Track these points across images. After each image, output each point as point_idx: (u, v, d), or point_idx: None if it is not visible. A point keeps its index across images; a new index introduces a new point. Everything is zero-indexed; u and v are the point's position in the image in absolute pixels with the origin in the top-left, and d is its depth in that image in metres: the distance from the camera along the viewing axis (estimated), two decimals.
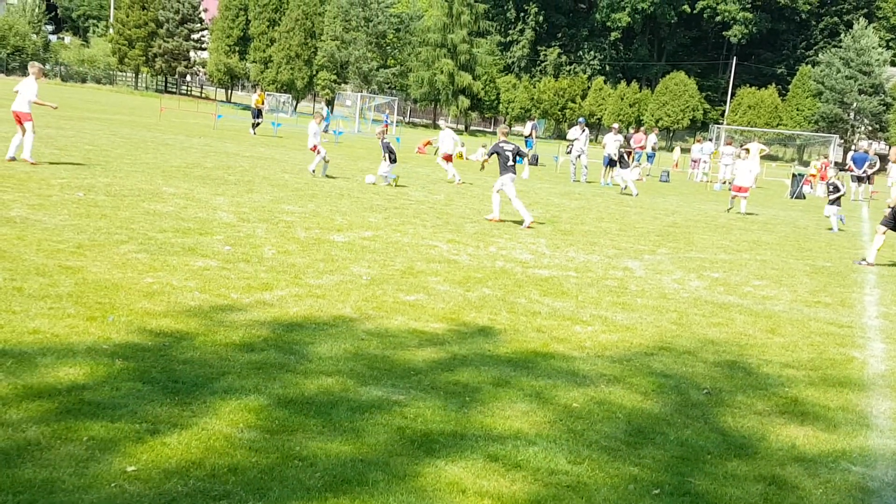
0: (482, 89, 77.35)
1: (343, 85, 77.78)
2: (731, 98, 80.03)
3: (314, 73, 77.01)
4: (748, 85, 79.34)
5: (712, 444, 4.90)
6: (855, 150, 36.69)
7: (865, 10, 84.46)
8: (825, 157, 36.43)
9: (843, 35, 74.81)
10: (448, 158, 22.68)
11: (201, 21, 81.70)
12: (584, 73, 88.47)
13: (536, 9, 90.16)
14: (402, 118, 73.63)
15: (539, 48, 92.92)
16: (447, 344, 6.52)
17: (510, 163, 14.73)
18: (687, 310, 8.79)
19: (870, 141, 65.90)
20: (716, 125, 48.11)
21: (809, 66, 76.40)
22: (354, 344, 6.25)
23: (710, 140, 37.06)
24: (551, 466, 4.32)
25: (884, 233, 13.70)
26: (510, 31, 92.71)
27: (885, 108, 68.89)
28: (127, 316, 6.31)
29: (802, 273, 12.21)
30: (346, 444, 4.38)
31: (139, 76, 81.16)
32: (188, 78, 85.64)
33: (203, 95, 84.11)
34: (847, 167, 32.95)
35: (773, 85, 78.16)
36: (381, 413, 4.87)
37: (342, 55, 75.35)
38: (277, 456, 4.14)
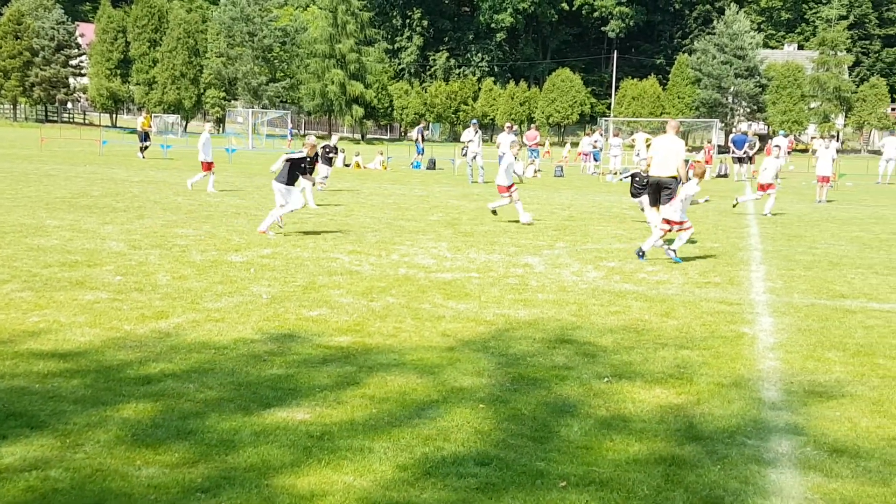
0: (375, 97, 77.30)
1: (233, 101, 76.43)
2: (616, 91, 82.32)
3: (202, 91, 75.41)
4: (631, 77, 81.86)
5: (615, 431, 5.01)
6: (735, 133, 38.25)
7: None
8: (708, 142, 37.84)
9: (716, 22, 78.03)
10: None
11: (79, 46, 78.82)
12: (474, 75, 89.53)
13: (421, 14, 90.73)
14: (297, 131, 72.78)
15: (428, 53, 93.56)
16: (352, 356, 6.48)
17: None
18: (586, 301, 8.98)
19: (749, 122, 68.92)
20: (603, 118, 49.40)
21: (686, 54, 79.38)
22: (256, 366, 6.14)
23: (599, 133, 37.99)
24: (460, 470, 4.34)
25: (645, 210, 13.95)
26: (397, 38, 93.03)
27: (760, 89, 72.12)
28: (11, 360, 6.03)
29: (692, 255, 12.64)
30: (250, 470, 4.29)
31: (17, 107, 77.72)
32: (69, 105, 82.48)
33: (87, 122, 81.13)
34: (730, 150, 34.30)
35: (654, 75, 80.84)
36: (286, 434, 4.80)
37: (229, 71, 74.06)
38: (178, 491, 4.02)
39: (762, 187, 19.64)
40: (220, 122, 75.98)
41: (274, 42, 77.52)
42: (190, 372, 5.93)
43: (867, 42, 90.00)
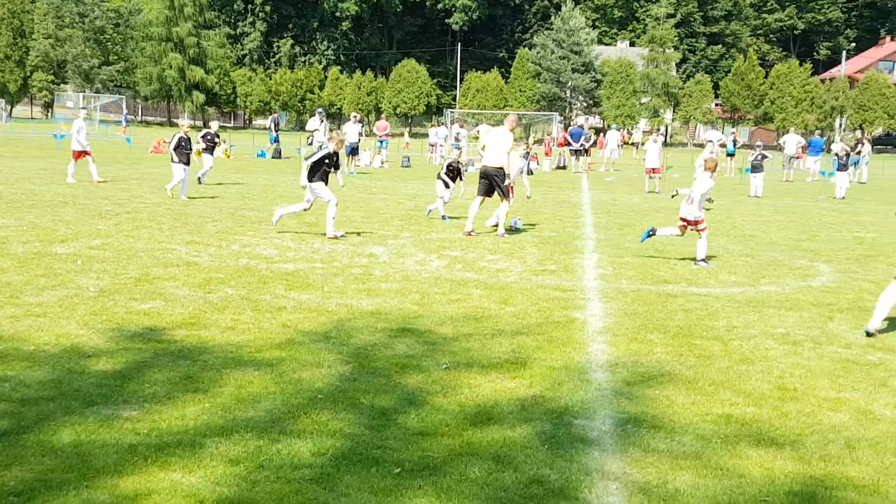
0: (216, 83, 74.88)
1: (63, 85, 72.03)
2: (461, 83, 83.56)
3: (28, 74, 70.67)
4: (475, 69, 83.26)
5: (451, 416, 5.11)
6: (572, 126, 39.72)
7: None
8: (549, 135, 39.11)
9: (553, 17, 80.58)
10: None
11: None
12: (320, 63, 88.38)
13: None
14: (133, 117, 69.52)
15: (272, 39, 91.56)
16: (186, 350, 6.27)
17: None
18: (428, 290, 9.09)
19: (586, 116, 71.65)
20: (449, 110, 50.06)
21: (527, 48, 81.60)
22: (80, 363, 5.84)
23: (444, 124, 38.47)
24: (294, 461, 4.30)
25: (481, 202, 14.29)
26: (240, 23, 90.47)
27: (596, 84, 75.12)
28: None
29: (531, 244, 13.05)
30: (69, 472, 4.08)
31: None
32: None
33: None
34: (565, 141, 35.55)
35: (497, 68, 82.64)
36: (111, 433, 4.59)
37: (58, 54, 69.74)
38: None
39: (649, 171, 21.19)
40: (48, 106, 71.42)
41: (106, 24, 73.60)
42: (5, 370, 5.56)
43: (693, 40, 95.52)
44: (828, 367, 6.53)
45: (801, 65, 74.97)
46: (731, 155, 36.12)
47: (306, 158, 13.34)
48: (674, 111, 77.24)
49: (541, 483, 4.17)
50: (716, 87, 78.95)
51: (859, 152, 34.24)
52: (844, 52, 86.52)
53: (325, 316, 7.63)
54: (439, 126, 37.60)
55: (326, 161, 13.02)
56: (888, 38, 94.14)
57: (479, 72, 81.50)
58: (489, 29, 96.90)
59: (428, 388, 5.67)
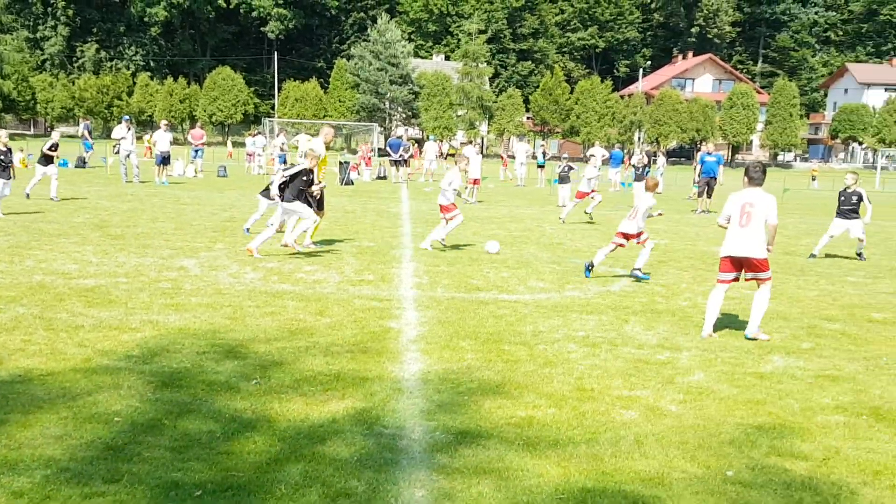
0: (14, 89, 69.77)
1: None
2: (279, 92, 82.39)
3: None
4: (293, 79, 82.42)
5: (259, 434, 5.00)
6: (392, 137, 40.11)
7: (388, 6, 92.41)
8: (364, 144, 39.29)
9: (370, 29, 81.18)
10: None
11: None
12: (128, 68, 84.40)
13: (65, 2, 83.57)
14: None
15: (75, 44, 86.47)
16: None
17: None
18: (241, 303, 8.87)
19: (405, 128, 72.56)
20: (268, 118, 49.16)
21: (345, 59, 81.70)
22: None
23: (262, 134, 37.74)
24: (85, 491, 4.06)
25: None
26: (40, 27, 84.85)
27: (414, 96, 76.32)
28: None
29: (349, 254, 13.04)
30: None
31: None
32: None
33: None
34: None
35: (316, 78, 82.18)
36: None
37: None
38: None
39: (580, 195, 21.03)
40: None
41: None
42: None
43: (504, 56, 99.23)
44: (622, 367, 6.95)
45: (602, 81, 79.64)
46: (541, 167, 37.72)
47: (276, 174, 12.95)
48: (489, 124, 79.75)
49: (348, 496, 4.17)
50: (527, 101, 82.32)
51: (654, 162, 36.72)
52: (641, 70, 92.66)
53: (127, 334, 7.27)
54: (257, 135, 36.78)
55: (304, 178, 12.76)
56: (680, 57, 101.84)
57: (297, 81, 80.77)
58: (306, 38, 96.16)
59: (236, 405, 5.53)
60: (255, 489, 4.18)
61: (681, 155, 78.07)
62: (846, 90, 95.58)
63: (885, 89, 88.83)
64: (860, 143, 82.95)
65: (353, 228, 16.80)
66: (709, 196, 25.15)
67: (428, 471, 4.53)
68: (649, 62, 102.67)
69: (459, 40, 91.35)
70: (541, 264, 12.95)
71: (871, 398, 6.30)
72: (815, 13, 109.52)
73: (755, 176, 8.33)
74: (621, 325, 8.69)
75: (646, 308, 9.69)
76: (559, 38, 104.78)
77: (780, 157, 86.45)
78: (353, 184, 32.08)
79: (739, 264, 8.34)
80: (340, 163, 33.69)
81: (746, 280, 8.55)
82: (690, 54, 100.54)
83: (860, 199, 15.24)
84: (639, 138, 78.88)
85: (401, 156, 33.61)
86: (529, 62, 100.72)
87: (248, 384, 5.99)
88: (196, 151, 32.72)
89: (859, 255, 15.40)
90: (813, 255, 15.24)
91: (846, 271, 13.53)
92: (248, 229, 14.84)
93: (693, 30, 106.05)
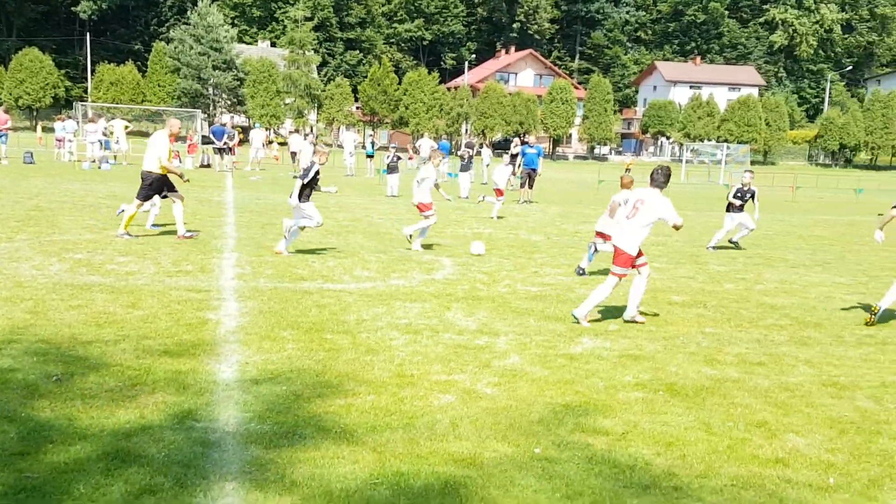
0: None
1: None
2: (93, 75, 77.84)
3: None
4: (108, 62, 78.06)
5: (57, 432, 4.72)
6: (216, 124, 38.87)
7: None
8: (188, 131, 37.87)
9: (190, 12, 78.12)
10: None
11: None
12: None
13: None
14: None
15: None
16: None
17: None
18: (45, 296, 8.34)
19: (231, 115, 70.48)
20: (80, 102, 46.33)
21: (164, 42, 78.25)
22: None
23: (72, 118, 35.52)
24: None
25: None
26: None
27: (239, 83, 74.21)
28: None
29: (167, 245, 12.54)
30: None
31: None
32: None
33: None
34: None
35: (132, 61, 78.27)
36: None
37: None
38: None
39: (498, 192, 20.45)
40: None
41: None
42: None
43: (332, 44, 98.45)
44: (442, 353, 7.09)
45: (430, 73, 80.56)
46: (370, 157, 37.76)
47: (300, 177, 12.45)
48: (318, 112, 78.88)
49: (153, 492, 4.01)
50: (355, 90, 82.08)
51: (479, 153, 37.67)
52: (467, 63, 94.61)
53: None
54: (67, 120, 34.54)
55: (316, 178, 12.49)
56: (503, 52, 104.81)
57: (112, 64, 76.51)
58: (122, 20, 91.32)
59: (33, 403, 5.20)
60: (51, 490, 3.94)
61: (505, 147, 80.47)
62: (655, 87, 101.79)
63: (690, 87, 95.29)
64: (668, 138, 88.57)
65: (171, 217, 16.15)
66: (530, 187, 26.05)
67: (241, 463, 4.44)
68: (474, 55, 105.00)
69: (285, 27, 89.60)
70: (367, 253, 12.97)
71: (668, 375, 6.76)
72: (627, 13, 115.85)
73: (655, 178, 8.78)
74: (443, 312, 8.85)
75: (468, 295, 9.92)
76: (386, 29, 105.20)
77: (596, 151, 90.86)
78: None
79: (618, 252, 8.77)
80: None
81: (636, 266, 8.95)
82: (513, 49, 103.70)
83: (752, 195, 16.26)
84: (466, 130, 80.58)
85: (225, 143, 32.61)
86: (357, 52, 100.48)
87: (49, 382, 5.64)
88: (0, 136, 30.34)
89: (735, 243, 16.34)
90: (711, 248, 16.07)
91: (651, 258, 14.39)
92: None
93: (515, 25, 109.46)
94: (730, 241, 16.45)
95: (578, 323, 8.58)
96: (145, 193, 13.32)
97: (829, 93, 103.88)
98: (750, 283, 11.83)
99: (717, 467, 4.78)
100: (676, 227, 8.68)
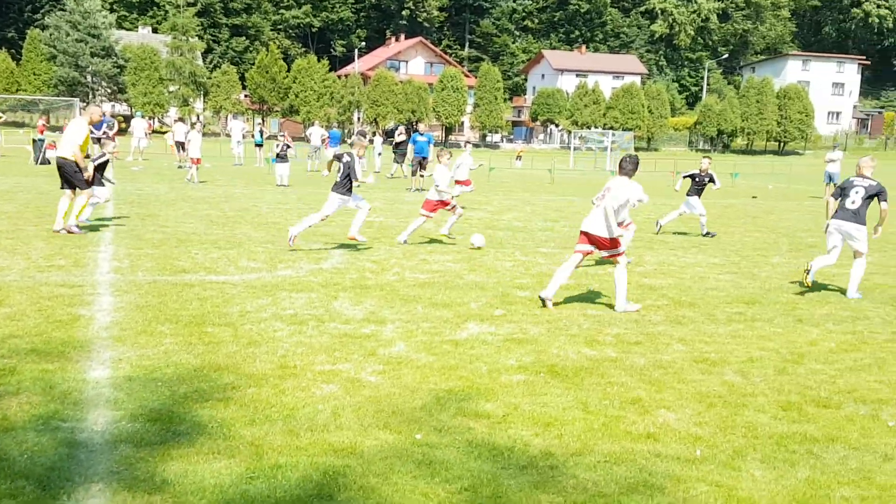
0: None
1: None
2: None
3: None
4: None
5: None
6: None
7: None
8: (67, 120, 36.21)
9: None
10: None
11: None
12: None
13: None
14: None
15: None
16: None
17: None
18: None
19: (111, 103, 67.87)
20: None
21: (39, 29, 74.55)
22: None
23: None
24: None
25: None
26: None
27: (119, 70, 71.42)
28: None
29: (38, 239, 11.98)
30: None
31: None
32: None
33: None
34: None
35: (6, 49, 74.38)
36: None
37: None
38: None
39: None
40: None
41: None
42: None
43: (217, 30, 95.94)
44: (327, 343, 7.02)
45: (319, 61, 79.48)
46: (259, 145, 37.04)
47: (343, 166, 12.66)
48: (204, 101, 76.76)
49: (13, 496, 3.79)
50: (243, 78, 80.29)
51: (371, 141, 37.50)
52: (357, 51, 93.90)
53: None
54: None
55: (353, 170, 12.68)
56: (393, 39, 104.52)
57: None
58: None
59: None
60: None
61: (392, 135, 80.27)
62: (543, 75, 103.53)
63: (577, 75, 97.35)
64: (557, 126, 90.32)
65: (46, 210, 15.42)
66: (422, 175, 26.10)
67: (109, 463, 4.27)
68: (364, 43, 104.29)
69: (167, 12, 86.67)
70: (254, 244, 12.73)
71: (549, 357, 6.90)
72: (514, 1, 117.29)
73: (623, 166, 9.09)
74: (330, 301, 8.77)
75: (355, 284, 9.87)
76: (273, 15, 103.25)
77: (488, 138, 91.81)
78: (49, 163, 29.47)
79: (593, 239, 9.06)
80: (34, 140, 30.80)
81: (604, 258, 9.38)
82: (403, 37, 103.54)
83: (711, 179, 16.55)
84: (358, 119, 79.98)
85: (105, 133, 31.32)
86: (244, 38, 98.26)
87: None
88: None
89: (708, 234, 16.52)
90: (659, 225, 16.52)
91: (539, 243, 14.67)
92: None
93: (404, 13, 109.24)
94: (703, 235, 16.51)
95: (545, 305, 8.84)
96: (82, 180, 12.90)
97: (707, 80, 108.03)
98: (631, 266, 12.18)
99: (591, 445, 4.90)
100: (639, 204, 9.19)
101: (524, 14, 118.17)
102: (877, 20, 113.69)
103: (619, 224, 9.24)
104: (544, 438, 4.98)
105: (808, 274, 10.15)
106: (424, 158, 26.08)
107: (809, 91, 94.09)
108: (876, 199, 10.19)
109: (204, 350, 6.58)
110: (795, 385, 6.29)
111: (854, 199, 10.25)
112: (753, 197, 28.54)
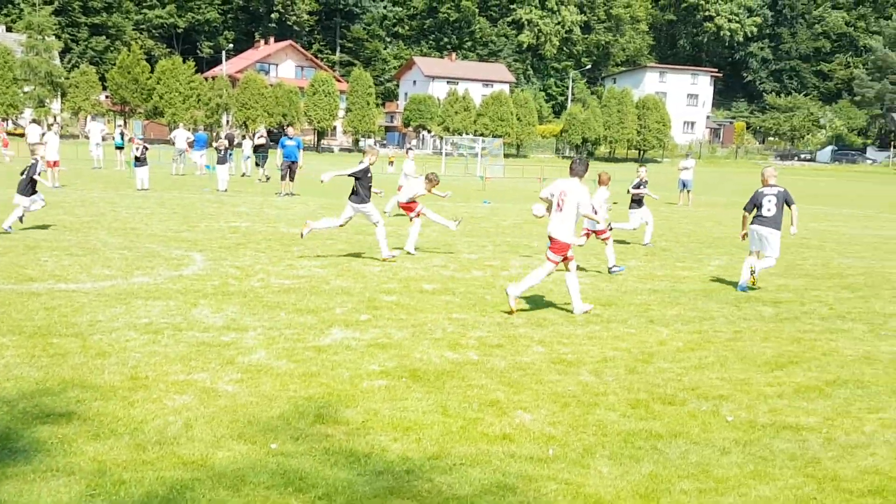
0: None
1: None
2: None
3: None
4: None
5: None
6: None
7: None
8: None
9: None
10: None
11: None
12: None
13: None
14: None
15: None
16: None
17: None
18: None
19: None
20: None
21: None
22: None
23: None
24: None
25: None
26: None
27: None
28: None
29: None
30: None
31: None
32: None
33: None
34: None
35: None
36: None
37: None
38: None
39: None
40: None
41: None
42: None
43: (75, 29, 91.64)
44: (183, 352, 6.80)
45: (185, 62, 77.09)
46: (119, 148, 35.57)
47: (352, 175, 12.52)
48: (62, 102, 73.11)
49: None
50: (104, 79, 77.00)
51: (239, 144, 36.68)
52: (224, 52, 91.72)
53: None
54: None
55: (370, 176, 12.61)
56: (262, 42, 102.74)
57: None
58: None
59: None
60: None
61: (270, 139, 78.85)
62: (415, 82, 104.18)
63: (448, 82, 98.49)
64: (429, 132, 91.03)
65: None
66: (291, 179, 25.70)
67: None
68: (232, 45, 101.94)
69: (22, 10, 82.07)
70: (109, 251, 12.21)
71: (412, 361, 6.92)
72: (385, 7, 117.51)
73: (574, 168, 9.43)
74: (189, 309, 8.51)
75: (217, 291, 9.61)
76: (135, 15, 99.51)
77: (361, 143, 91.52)
78: None
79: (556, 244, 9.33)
80: None
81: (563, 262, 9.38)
82: (272, 40, 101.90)
83: (644, 185, 16.81)
84: (227, 121, 78.05)
85: None
86: (104, 38, 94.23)
87: None
88: None
89: (647, 244, 16.57)
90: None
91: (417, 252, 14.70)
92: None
93: (273, 15, 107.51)
94: (643, 244, 16.62)
95: (510, 313, 9.00)
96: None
97: (572, 90, 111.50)
98: (497, 270, 12.41)
99: (449, 448, 4.95)
100: (585, 216, 9.50)
101: (395, 21, 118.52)
102: (728, 34, 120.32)
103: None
104: (402, 443, 4.99)
105: (753, 274, 11.29)
106: (294, 163, 25.68)
107: (666, 102, 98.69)
108: (786, 204, 11.32)
109: (48, 363, 6.25)
110: (644, 383, 6.56)
111: (769, 208, 11.29)
112: (614, 203, 29.60)
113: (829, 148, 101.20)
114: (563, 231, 9.29)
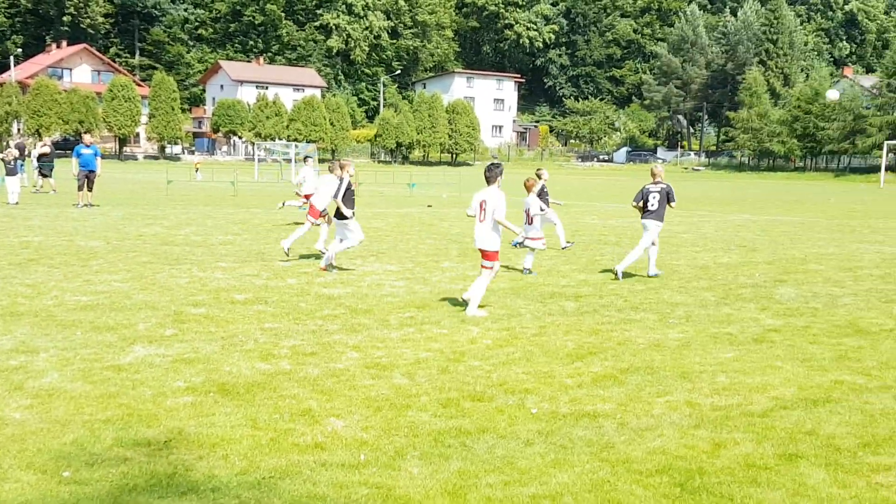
0: None
1: None
2: None
3: None
4: None
5: None
6: None
7: None
8: None
9: None
10: None
11: None
12: None
13: None
14: None
15: None
16: None
17: None
18: None
19: None
20: None
21: None
22: None
23: None
24: None
25: None
26: None
27: None
28: None
29: None
30: None
31: None
32: None
33: None
34: None
35: None
36: None
37: None
38: None
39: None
40: None
41: None
42: None
43: None
44: None
45: None
46: None
47: (333, 196, 12.65)
48: None
49: None
50: None
51: (30, 154, 34.18)
52: (13, 58, 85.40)
53: None
54: None
55: (352, 190, 12.75)
56: (55, 46, 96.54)
57: None
58: None
59: None
60: None
61: (66, 147, 74.20)
62: (222, 86, 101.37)
63: (257, 86, 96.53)
64: (240, 137, 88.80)
65: None
66: (89, 189, 24.26)
67: None
68: (21, 50, 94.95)
69: None
70: None
71: (222, 375, 6.72)
72: (185, 10, 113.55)
73: (487, 175, 9.63)
74: None
75: (5, 311, 8.93)
76: None
77: (167, 150, 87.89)
78: None
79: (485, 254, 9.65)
80: None
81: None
82: (65, 44, 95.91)
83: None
84: (18, 130, 72.61)
85: None
86: None
87: None
88: None
89: (567, 244, 16.41)
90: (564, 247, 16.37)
91: (218, 258, 14.25)
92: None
93: (65, 18, 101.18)
94: (565, 246, 16.46)
95: (473, 323, 9.05)
96: None
97: (384, 95, 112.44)
98: (311, 277, 12.28)
99: (258, 461, 4.85)
100: (498, 222, 9.47)
101: (198, 23, 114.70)
102: (528, 41, 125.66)
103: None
104: (208, 461, 4.83)
105: (651, 267, 12.79)
106: (92, 172, 24.24)
107: (475, 106, 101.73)
108: (668, 199, 12.56)
109: None
110: (455, 382, 6.71)
111: (653, 203, 12.54)
112: (429, 206, 30.02)
113: (624, 149, 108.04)
114: (489, 241, 9.61)
